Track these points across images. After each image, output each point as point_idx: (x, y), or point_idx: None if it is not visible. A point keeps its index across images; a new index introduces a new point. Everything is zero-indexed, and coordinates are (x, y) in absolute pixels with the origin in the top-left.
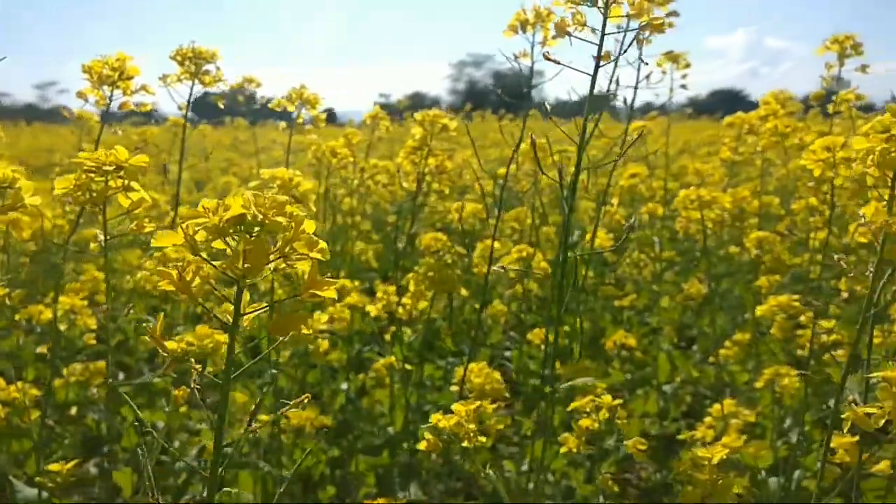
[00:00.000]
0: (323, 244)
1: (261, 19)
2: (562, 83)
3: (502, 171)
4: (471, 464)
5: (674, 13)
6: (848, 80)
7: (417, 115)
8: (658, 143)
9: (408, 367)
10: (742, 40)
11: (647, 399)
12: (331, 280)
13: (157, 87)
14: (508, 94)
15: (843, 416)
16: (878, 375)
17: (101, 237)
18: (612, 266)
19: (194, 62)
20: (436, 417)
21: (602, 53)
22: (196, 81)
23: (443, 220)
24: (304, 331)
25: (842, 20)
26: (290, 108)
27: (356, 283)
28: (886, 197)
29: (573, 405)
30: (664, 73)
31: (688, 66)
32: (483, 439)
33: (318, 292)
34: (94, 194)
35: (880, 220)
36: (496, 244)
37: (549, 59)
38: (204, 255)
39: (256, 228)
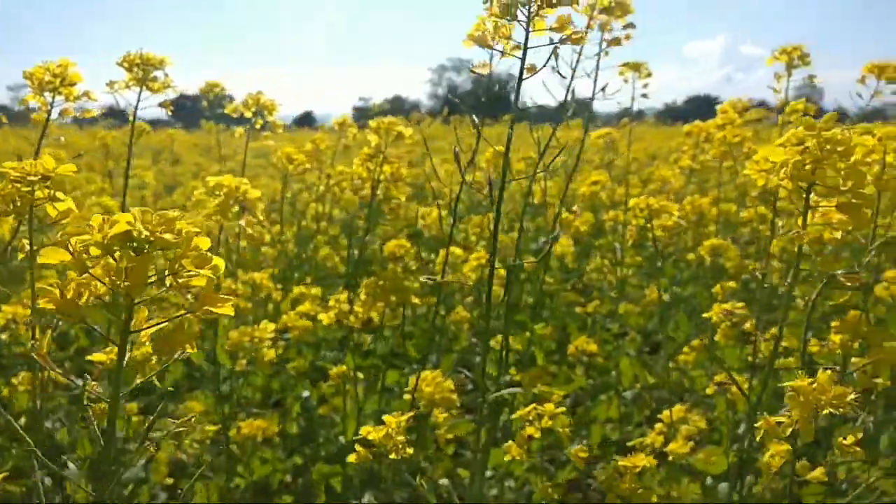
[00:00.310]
0: (217, 261)
1: (262, 19)
2: (542, 89)
3: (468, 177)
4: (433, 471)
5: (631, 25)
6: (821, 89)
7: (372, 123)
8: (632, 150)
9: (359, 374)
10: (720, 47)
11: (610, 405)
12: (226, 297)
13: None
14: (488, 100)
15: (756, 424)
16: (787, 385)
17: (28, 247)
18: (578, 273)
19: (142, 68)
20: (365, 430)
21: (527, 66)
22: (144, 88)
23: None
24: (189, 348)
25: (815, 28)
26: (247, 114)
27: (314, 290)
28: (801, 208)
29: (515, 414)
30: (626, 81)
31: (649, 75)
32: (410, 451)
33: (213, 309)
34: (19, 204)
35: (793, 231)
36: (458, 251)
37: (474, 72)
38: (100, 271)
39: (146, 245)
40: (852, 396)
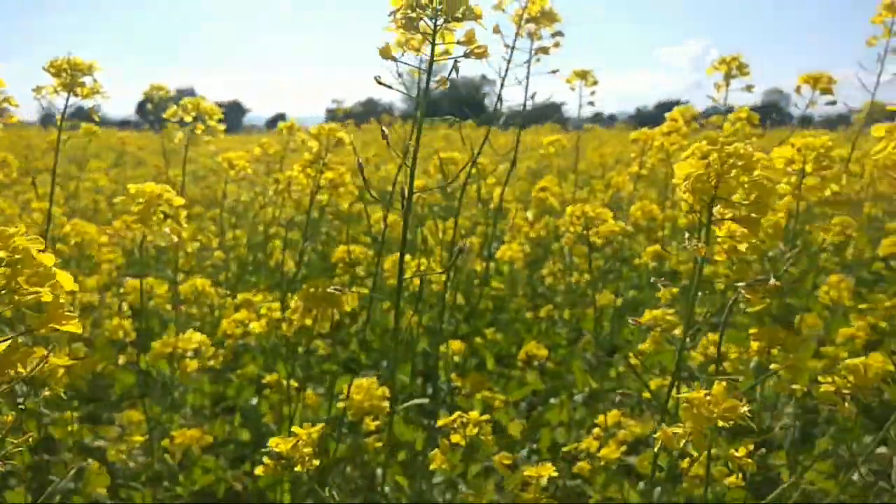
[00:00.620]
0: (63, 277)
1: (236, 24)
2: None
3: (420, 182)
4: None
5: (559, 34)
6: (787, 94)
7: (312, 129)
8: (600, 154)
9: (293, 382)
10: (690, 52)
11: (563, 409)
12: (71, 315)
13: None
14: (462, 104)
15: (655, 435)
16: (683, 396)
17: None
18: (533, 278)
19: (70, 74)
20: (273, 441)
21: (438, 78)
22: (71, 94)
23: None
24: (20, 369)
25: (788, 34)
26: (187, 119)
27: (258, 297)
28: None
29: (440, 422)
30: (573, 89)
31: (595, 83)
32: (316, 462)
33: (58, 326)
34: None
35: (693, 245)
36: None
37: (380, 83)
38: None
39: None
40: (745, 409)
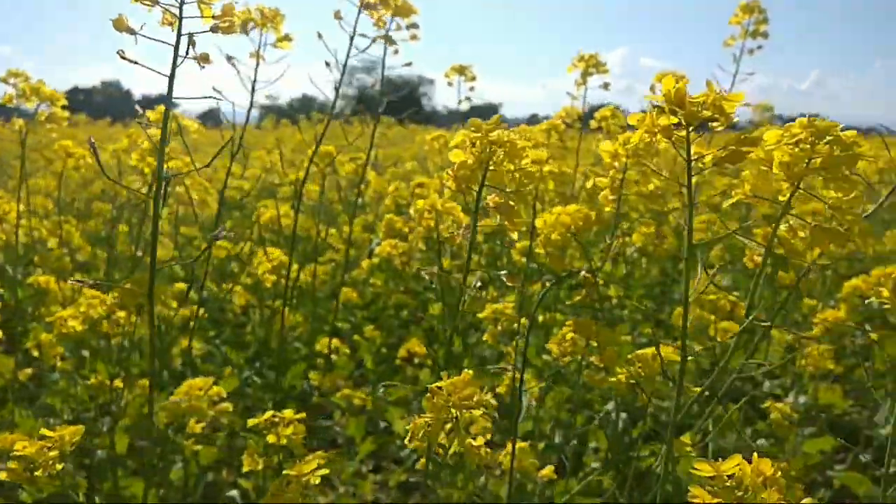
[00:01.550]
0: None
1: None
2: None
3: (292, 176)
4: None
5: (415, 25)
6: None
7: (152, 116)
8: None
9: (116, 383)
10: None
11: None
12: None
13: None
14: (396, 100)
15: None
16: (430, 386)
17: None
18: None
19: None
20: (20, 444)
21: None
22: None
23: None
24: None
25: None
26: (29, 105)
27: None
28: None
29: (251, 422)
30: (450, 84)
31: (473, 78)
32: (60, 466)
33: None
34: None
35: (457, 232)
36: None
37: (123, 57)
38: None
39: None
40: (487, 397)
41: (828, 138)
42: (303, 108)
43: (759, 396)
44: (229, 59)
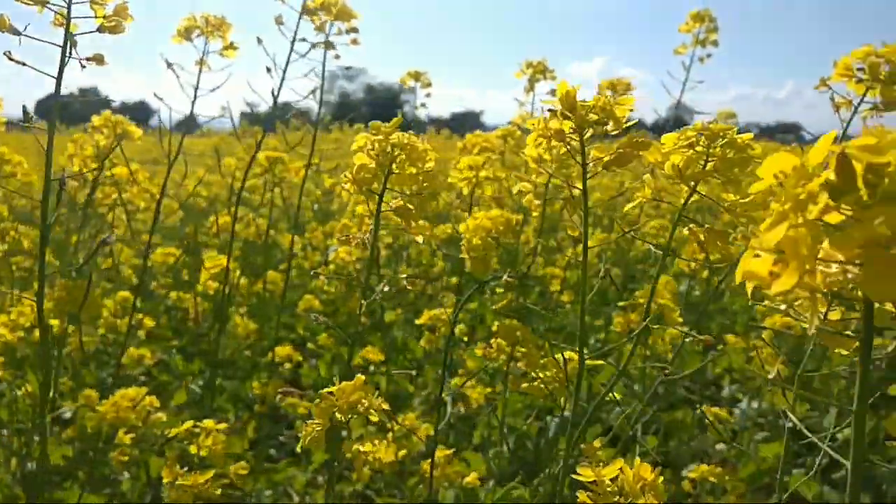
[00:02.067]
0: None
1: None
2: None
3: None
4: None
5: (354, 30)
6: (690, 107)
7: (97, 121)
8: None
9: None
10: (599, 67)
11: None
12: None
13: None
14: (378, 108)
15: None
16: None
17: None
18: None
19: None
20: None
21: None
22: None
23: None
24: None
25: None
26: None
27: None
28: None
29: (172, 431)
30: (408, 89)
31: (429, 84)
32: None
33: None
34: None
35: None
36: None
37: (10, 58)
38: None
39: None
40: (377, 402)
41: (721, 141)
42: (283, 115)
43: (720, 400)
44: (169, 65)
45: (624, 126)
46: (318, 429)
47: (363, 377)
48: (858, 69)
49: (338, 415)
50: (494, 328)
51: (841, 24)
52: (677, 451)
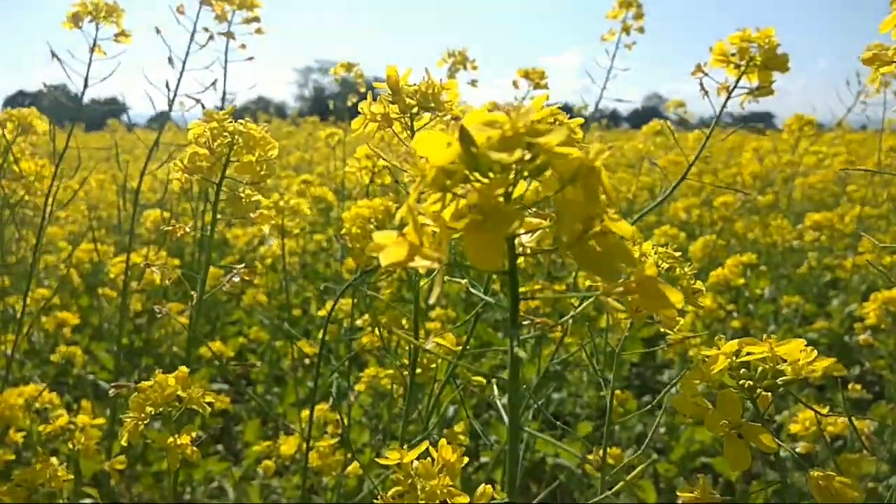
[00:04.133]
0: None
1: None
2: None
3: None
4: None
5: (256, 19)
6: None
7: (2, 115)
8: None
9: None
10: (575, 60)
11: None
12: None
13: None
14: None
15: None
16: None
17: None
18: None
19: None
20: None
21: None
22: None
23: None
24: None
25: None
26: None
27: None
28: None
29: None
30: (337, 81)
31: (361, 76)
32: None
33: None
34: None
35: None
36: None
37: None
38: None
39: None
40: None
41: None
42: (259, 109)
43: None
44: (53, 55)
45: (453, 111)
46: (133, 422)
47: (186, 369)
48: (732, 54)
49: (148, 408)
50: (382, 319)
51: (805, 14)
52: (625, 436)
